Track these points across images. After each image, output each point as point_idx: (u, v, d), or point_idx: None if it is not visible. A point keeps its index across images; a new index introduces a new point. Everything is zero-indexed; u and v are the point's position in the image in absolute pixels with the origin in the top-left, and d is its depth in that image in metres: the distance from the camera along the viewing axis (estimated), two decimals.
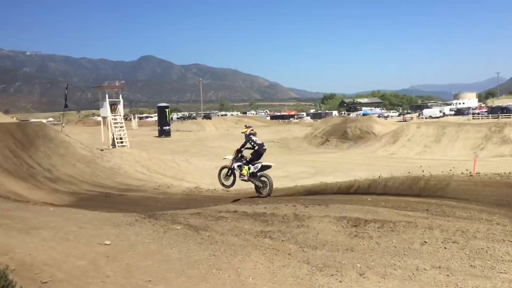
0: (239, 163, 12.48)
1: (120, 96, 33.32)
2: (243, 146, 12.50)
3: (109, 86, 41.56)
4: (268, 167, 12.24)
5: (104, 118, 32.89)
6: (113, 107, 32.18)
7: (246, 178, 12.24)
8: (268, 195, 12.03)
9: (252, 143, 12.29)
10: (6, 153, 23.20)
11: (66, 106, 32.47)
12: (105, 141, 32.40)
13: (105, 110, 32.20)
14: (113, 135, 31.57)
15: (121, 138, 31.55)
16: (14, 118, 67.32)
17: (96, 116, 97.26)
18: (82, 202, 16.69)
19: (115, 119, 31.98)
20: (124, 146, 31.16)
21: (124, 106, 34.66)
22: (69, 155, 25.70)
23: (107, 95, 32.29)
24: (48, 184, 20.96)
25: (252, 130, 12.60)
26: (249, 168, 12.18)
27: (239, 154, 12.56)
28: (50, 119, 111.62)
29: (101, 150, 29.16)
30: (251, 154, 12.35)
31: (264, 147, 12.40)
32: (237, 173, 12.61)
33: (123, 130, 32.18)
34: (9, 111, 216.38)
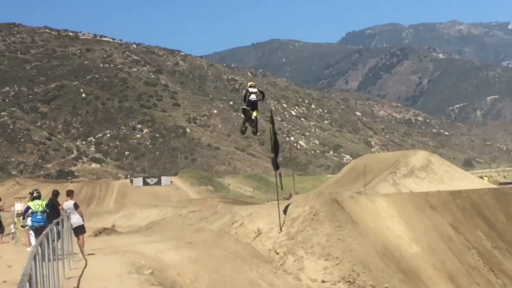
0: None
1: None
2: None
3: None
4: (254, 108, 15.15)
5: None
6: None
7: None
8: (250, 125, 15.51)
9: (246, 92, 15.16)
10: (471, 259, 12.57)
11: None
12: None
13: None
14: None
15: None
16: (486, 179, 40.11)
17: None
18: None
19: None
20: None
21: None
22: None
23: None
24: None
25: (253, 83, 15.55)
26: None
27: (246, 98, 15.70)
28: None
29: None
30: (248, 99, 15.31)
31: (252, 99, 14.85)
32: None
33: None
34: (472, 162, 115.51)
